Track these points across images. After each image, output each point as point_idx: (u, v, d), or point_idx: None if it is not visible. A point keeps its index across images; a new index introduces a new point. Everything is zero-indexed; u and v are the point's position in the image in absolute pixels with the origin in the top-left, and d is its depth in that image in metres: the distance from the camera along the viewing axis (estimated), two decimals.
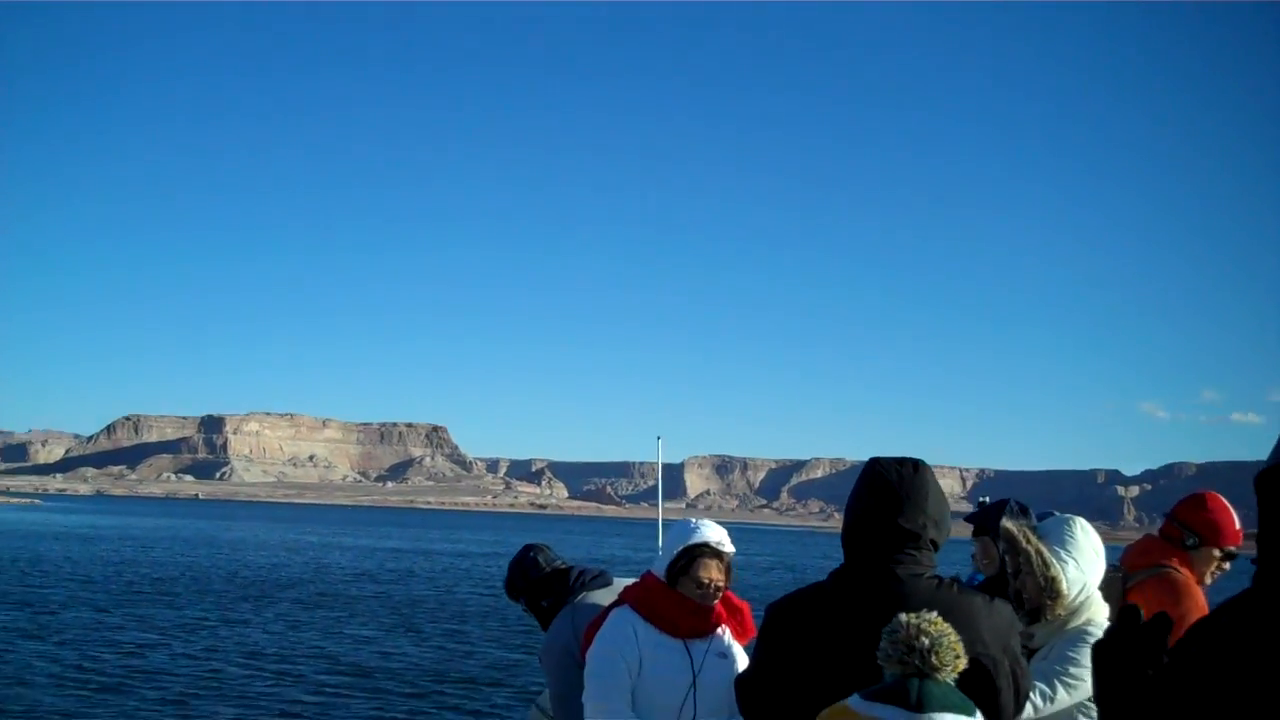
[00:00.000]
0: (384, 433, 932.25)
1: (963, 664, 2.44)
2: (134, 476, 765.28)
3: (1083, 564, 3.97)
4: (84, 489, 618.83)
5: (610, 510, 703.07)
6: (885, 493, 3.11)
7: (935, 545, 3.16)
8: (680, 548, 4.14)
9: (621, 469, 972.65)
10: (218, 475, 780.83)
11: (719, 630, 4.33)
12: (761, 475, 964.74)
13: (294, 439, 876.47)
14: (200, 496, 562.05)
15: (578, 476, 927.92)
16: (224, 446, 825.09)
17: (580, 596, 4.92)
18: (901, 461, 3.17)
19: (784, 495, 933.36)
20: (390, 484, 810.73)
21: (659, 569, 4.24)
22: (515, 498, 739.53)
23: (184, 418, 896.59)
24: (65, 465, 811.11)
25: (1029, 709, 3.60)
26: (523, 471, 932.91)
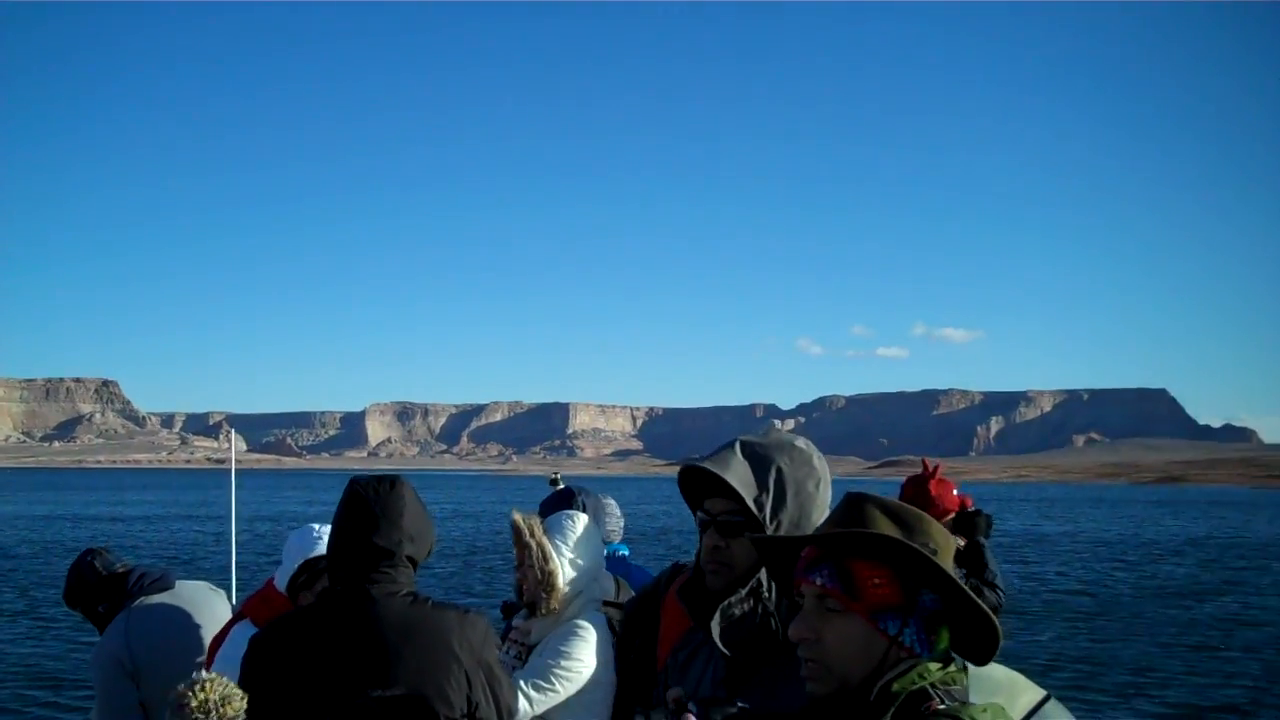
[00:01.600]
0: (50, 389, 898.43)
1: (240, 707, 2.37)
2: None
3: (580, 559, 4.08)
4: None
5: (290, 462, 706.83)
6: (361, 511, 3.12)
7: (413, 561, 3.17)
8: (301, 561, 4.02)
9: (302, 419, 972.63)
10: None
11: None
12: (442, 420, 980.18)
13: None
14: None
15: (258, 428, 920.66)
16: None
17: (138, 601, 4.75)
18: (380, 479, 3.17)
19: (464, 440, 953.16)
20: (57, 443, 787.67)
21: (280, 581, 4.09)
22: (192, 453, 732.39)
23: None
24: None
25: (524, 706, 3.70)
26: (200, 425, 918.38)
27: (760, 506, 2.41)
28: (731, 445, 2.53)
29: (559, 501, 4.76)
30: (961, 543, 5.46)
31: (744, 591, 2.43)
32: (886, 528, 1.97)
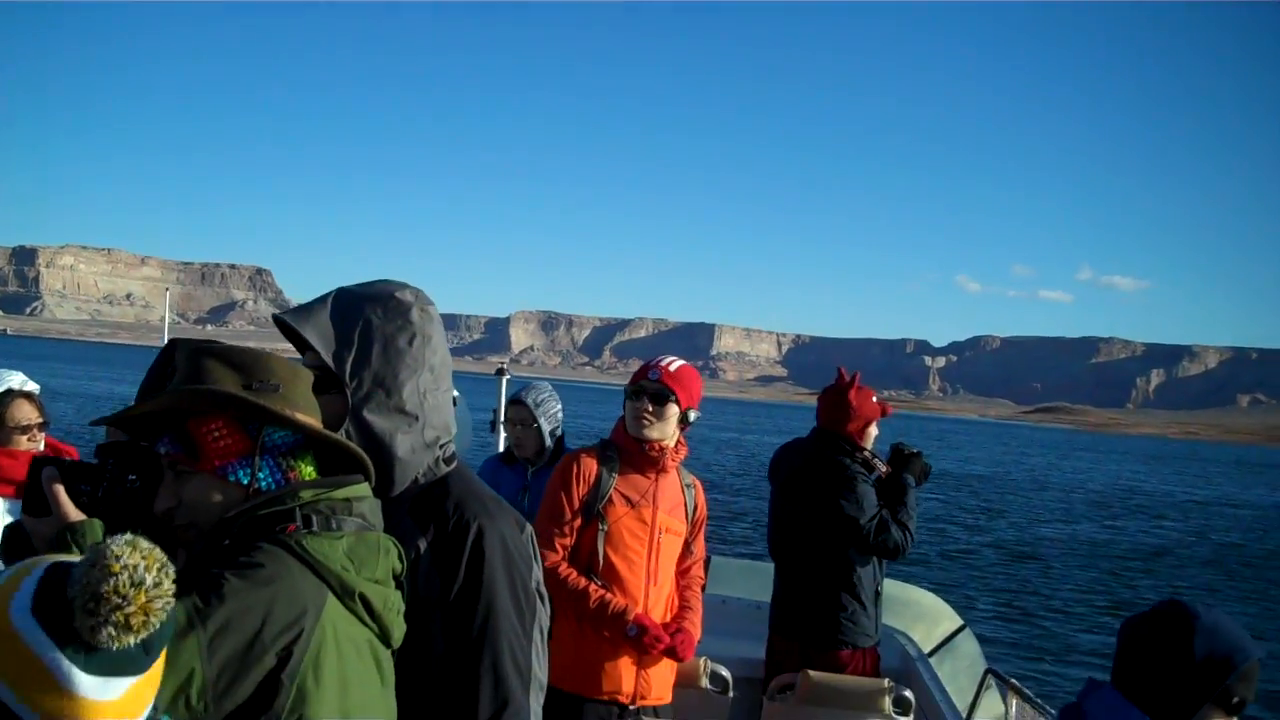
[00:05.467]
0: (205, 273, 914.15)
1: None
2: None
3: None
4: None
5: None
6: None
7: None
8: None
9: (448, 321, 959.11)
10: (28, 310, 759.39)
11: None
12: (586, 333, 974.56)
13: (110, 275, 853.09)
14: (9, 332, 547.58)
15: None
16: (36, 280, 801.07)
17: None
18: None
19: (606, 353, 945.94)
20: (210, 327, 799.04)
21: None
22: None
23: None
24: None
25: None
26: None
27: (340, 361, 2.27)
28: (326, 296, 2.38)
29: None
30: (884, 469, 5.48)
31: None
32: (224, 376, 1.96)
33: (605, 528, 4.15)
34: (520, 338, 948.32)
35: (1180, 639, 2.46)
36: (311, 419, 2.01)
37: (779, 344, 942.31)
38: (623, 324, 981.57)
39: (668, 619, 4.29)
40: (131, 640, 1.51)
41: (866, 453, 5.42)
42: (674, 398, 4.25)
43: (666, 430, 4.24)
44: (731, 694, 4.93)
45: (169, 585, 1.55)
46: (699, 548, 4.45)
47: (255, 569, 1.79)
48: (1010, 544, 28.39)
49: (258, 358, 2.02)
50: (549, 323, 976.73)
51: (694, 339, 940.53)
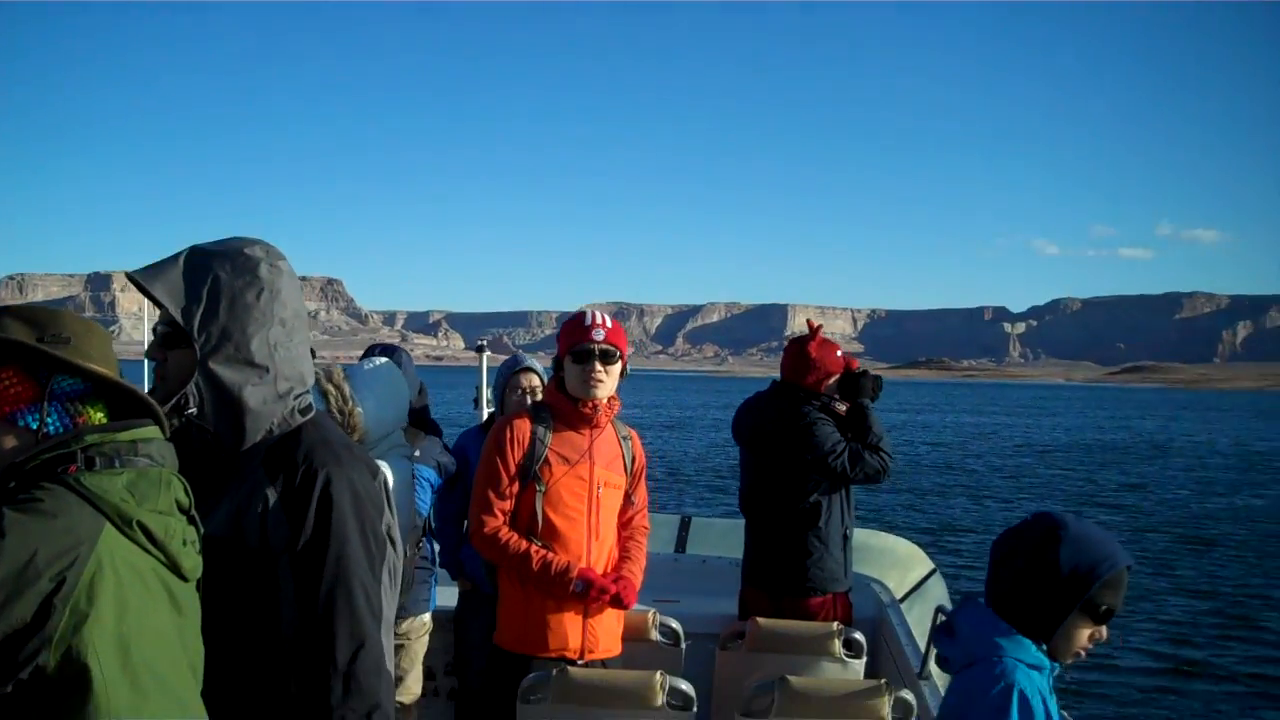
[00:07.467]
0: None
1: None
2: None
3: (381, 404, 4.28)
4: None
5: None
6: None
7: None
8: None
9: (519, 318, 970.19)
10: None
11: None
12: (659, 321, 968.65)
13: None
14: None
15: (475, 327, 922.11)
16: (112, 304, 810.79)
17: None
18: None
19: (679, 340, 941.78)
20: None
21: None
22: (411, 350, 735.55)
23: (70, 275, 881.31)
24: None
25: None
26: (420, 324, 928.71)
27: (188, 316, 2.36)
28: (178, 254, 2.44)
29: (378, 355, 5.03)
30: (843, 407, 5.43)
31: (168, 406, 2.33)
32: (18, 330, 2.07)
33: (543, 489, 4.13)
34: None
35: (1046, 550, 2.50)
36: (103, 369, 2.09)
37: (854, 320, 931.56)
38: (695, 310, 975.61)
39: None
40: None
41: (824, 399, 5.38)
42: (620, 354, 4.22)
43: (613, 388, 4.23)
44: (684, 645, 4.96)
45: None
46: (640, 497, 4.44)
47: (33, 503, 1.91)
48: (1178, 524, 25.51)
49: (53, 315, 2.13)
50: (620, 313, 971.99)
51: (767, 320, 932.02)
